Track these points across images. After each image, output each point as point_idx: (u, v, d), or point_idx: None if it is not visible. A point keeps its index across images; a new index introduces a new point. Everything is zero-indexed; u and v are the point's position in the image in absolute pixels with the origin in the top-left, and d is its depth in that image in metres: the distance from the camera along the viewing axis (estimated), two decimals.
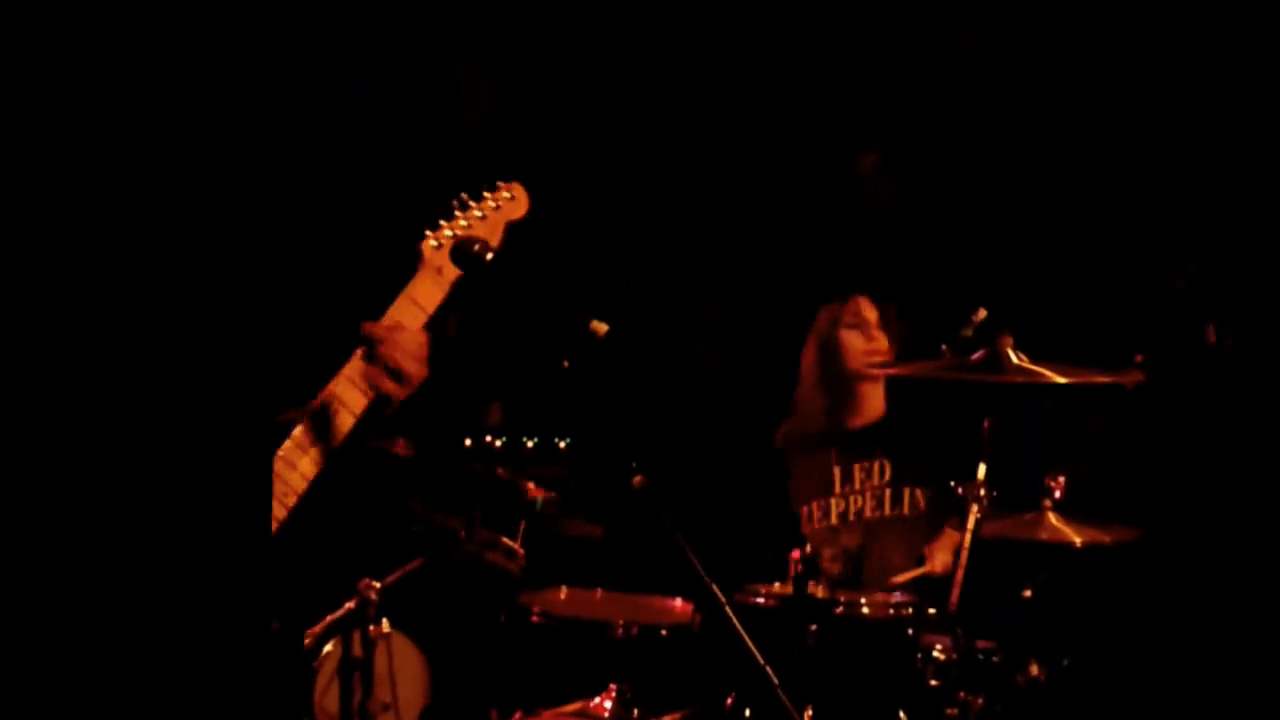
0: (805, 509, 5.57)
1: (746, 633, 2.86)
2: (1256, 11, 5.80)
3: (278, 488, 3.00)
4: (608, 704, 4.81)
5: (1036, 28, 6.25)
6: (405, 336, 3.15)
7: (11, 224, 1.97)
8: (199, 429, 2.25)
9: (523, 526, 4.85)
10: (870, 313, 5.52)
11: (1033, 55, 6.26)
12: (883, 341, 5.50)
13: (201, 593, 2.26)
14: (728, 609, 2.85)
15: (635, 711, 4.78)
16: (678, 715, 4.76)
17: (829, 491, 5.56)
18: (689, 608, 4.95)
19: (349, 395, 3.12)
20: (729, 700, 4.67)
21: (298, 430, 3.07)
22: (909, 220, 6.57)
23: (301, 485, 3.04)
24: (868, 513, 5.49)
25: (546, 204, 6.23)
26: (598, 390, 3.11)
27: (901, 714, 4.55)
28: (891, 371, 5.36)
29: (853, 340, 5.55)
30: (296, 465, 3.05)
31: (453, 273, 3.26)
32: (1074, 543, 4.61)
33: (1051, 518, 4.67)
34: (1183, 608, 5.48)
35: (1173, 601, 5.50)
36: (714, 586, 2.85)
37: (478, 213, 3.34)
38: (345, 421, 3.12)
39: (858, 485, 5.52)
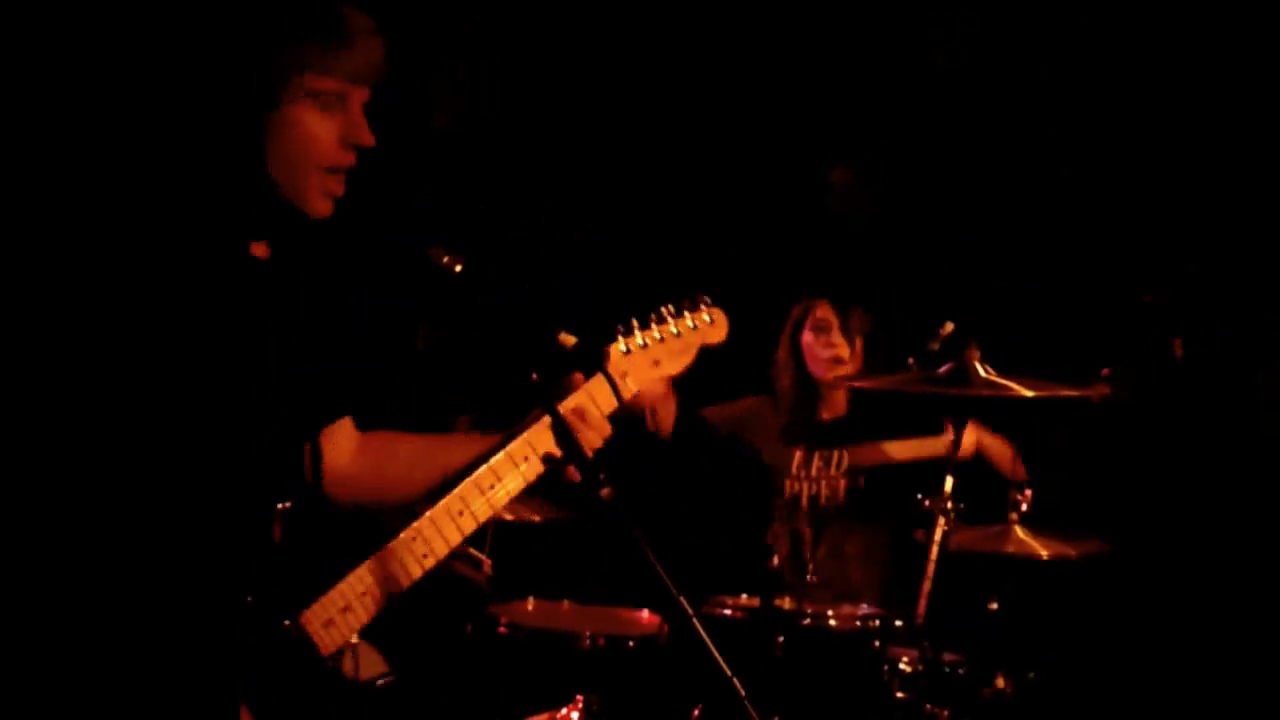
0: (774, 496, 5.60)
1: (714, 644, 2.86)
2: (1221, 35, 5.84)
3: (419, 548, 2.98)
4: (574, 715, 4.79)
5: (1006, 42, 6.27)
6: (591, 435, 3.08)
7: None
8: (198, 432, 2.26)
9: (490, 537, 4.85)
10: (831, 316, 5.54)
11: (1006, 69, 6.29)
12: (843, 347, 5.52)
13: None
14: (695, 621, 2.85)
15: None
16: None
17: (784, 475, 5.58)
18: (656, 619, 4.95)
19: (509, 475, 3.06)
20: (696, 712, 4.66)
21: (454, 497, 3.03)
22: (879, 231, 6.58)
23: (444, 552, 3.01)
24: (822, 500, 5.52)
25: (520, 211, 6.24)
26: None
27: None
28: (859, 384, 5.37)
29: (813, 343, 5.58)
30: (442, 531, 3.02)
31: (643, 378, 3.23)
32: (1040, 555, 4.63)
33: (1018, 531, 4.69)
34: (1148, 620, 5.50)
35: (1139, 614, 5.52)
36: (681, 598, 2.84)
37: (673, 328, 3.30)
38: (499, 499, 3.08)
39: (814, 472, 5.55)
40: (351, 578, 2.89)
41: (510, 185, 6.25)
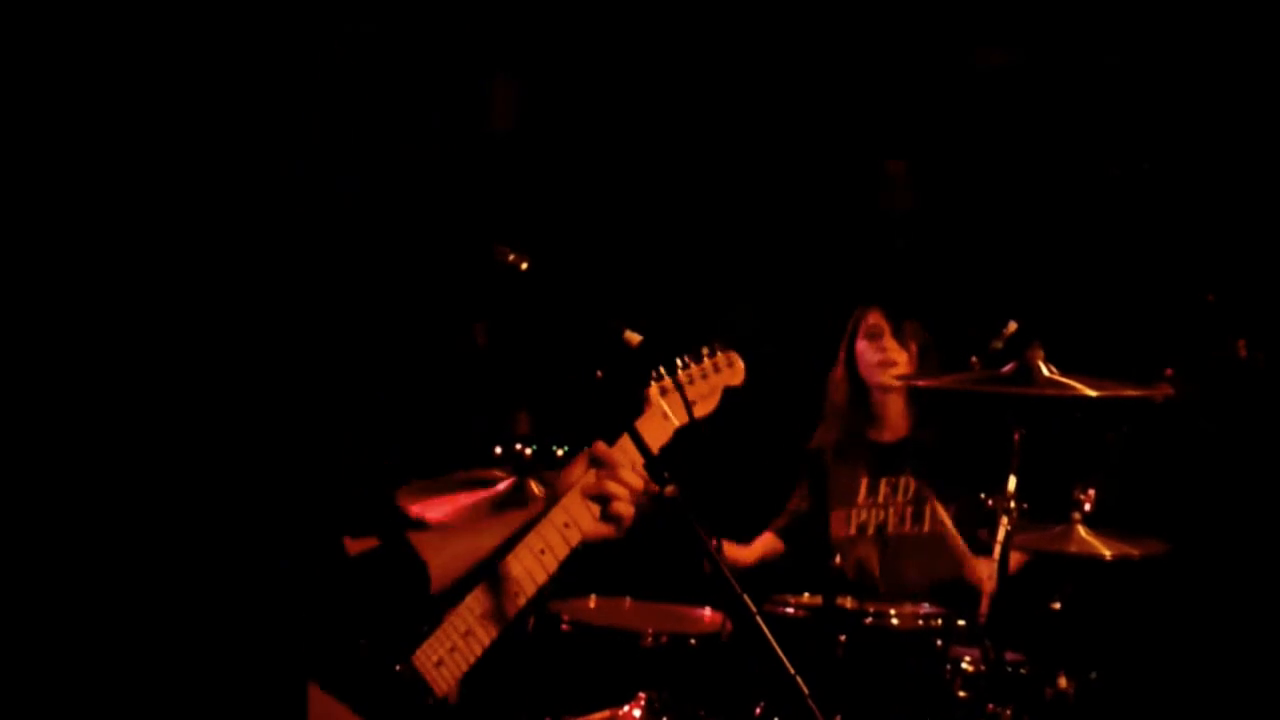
0: (835, 513, 5.59)
1: (776, 642, 2.87)
2: None
3: (510, 587, 3.04)
4: (636, 713, 4.81)
5: (1068, 41, 6.24)
6: (628, 477, 3.15)
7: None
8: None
9: None
10: (882, 322, 5.53)
11: (1070, 65, 6.26)
12: (897, 353, 5.50)
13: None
14: (758, 619, 2.86)
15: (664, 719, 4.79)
16: None
17: (851, 503, 5.57)
18: (718, 617, 4.95)
19: (582, 515, 3.15)
20: (757, 710, 4.67)
21: (535, 535, 3.10)
22: (938, 232, 6.57)
23: (532, 590, 3.07)
24: (890, 528, 5.50)
25: (582, 212, 6.27)
26: (631, 400, 3.14)
27: None
28: (921, 383, 5.36)
29: (865, 350, 5.57)
30: (530, 570, 3.08)
31: (679, 419, 3.35)
32: (1103, 555, 4.61)
33: (1081, 530, 4.67)
34: (1210, 621, 5.47)
35: (1200, 615, 5.49)
36: (745, 596, 2.85)
37: (699, 371, 3.47)
38: (572, 537, 3.15)
39: (881, 499, 5.53)
40: (454, 617, 2.94)
41: (566, 187, 6.28)
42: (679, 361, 3.44)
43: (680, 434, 3.37)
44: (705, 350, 3.50)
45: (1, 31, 1.87)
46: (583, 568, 5.02)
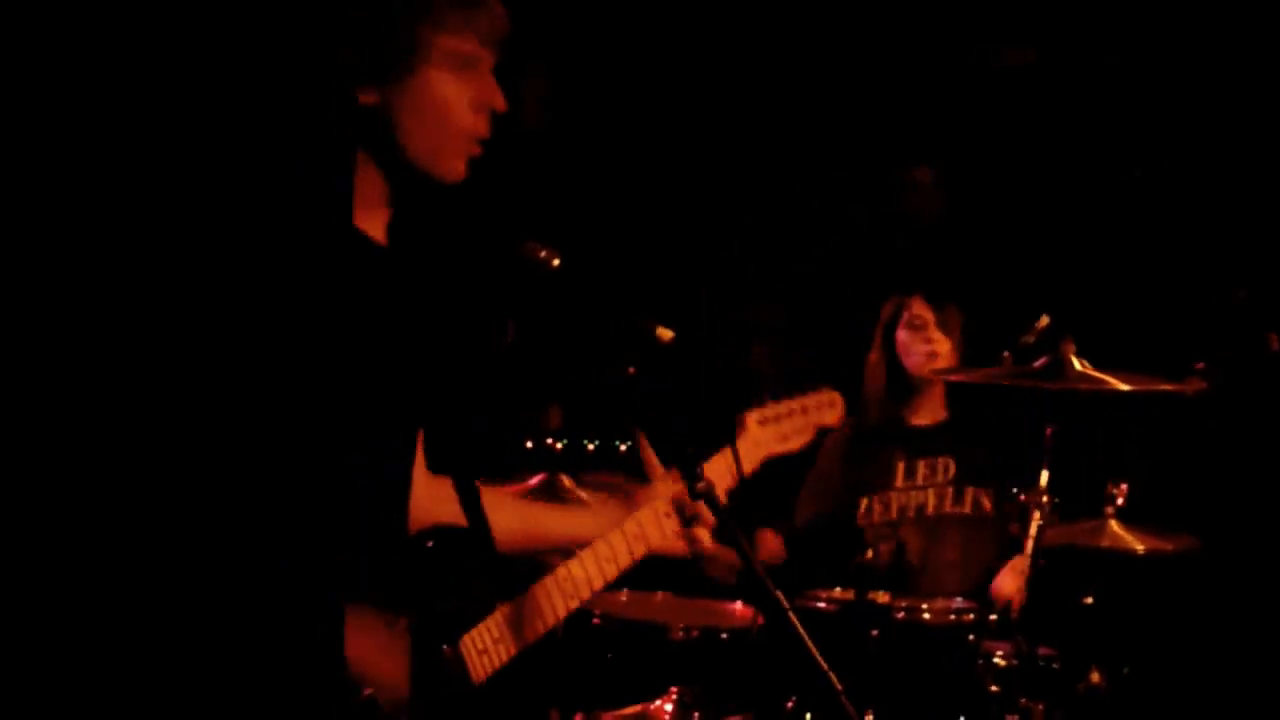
0: (864, 501, 5.57)
1: (808, 637, 2.87)
2: None
3: (568, 587, 3.07)
4: (668, 707, 4.81)
5: (1096, 37, 6.23)
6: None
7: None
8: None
9: None
10: (927, 313, 5.52)
11: (1094, 65, 6.25)
12: (942, 343, 5.49)
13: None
14: (790, 613, 2.86)
15: (695, 715, 4.78)
16: (738, 718, 4.77)
17: (889, 486, 5.56)
18: (749, 611, 4.95)
19: (652, 529, 3.18)
20: (789, 704, 4.67)
21: (603, 543, 3.12)
22: (969, 226, 6.56)
23: (588, 594, 3.10)
24: (929, 509, 5.49)
25: (613, 208, 6.27)
26: (662, 396, 3.14)
27: None
28: (954, 377, 5.36)
29: (909, 340, 5.56)
30: (589, 575, 3.12)
31: (769, 449, 3.38)
32: (1136, 551, 4.60)
33: (1114, 525, 4.66)
34: (1244, 616, 5.46)
35: (1234, 610, 5.48)
36: (777, 591, 2.86)
37: (799, 406, 3.49)
38: (638, 549, 3.17)
39: (921, 481, 5.52)
40: (506, 609, 2.96)
41: (597, 184, 6.29)
42: (783, 392, 3.48)
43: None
44: (808, 385, 3.52)
45: (2, 31, 1.88)
46: None
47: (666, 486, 3.21)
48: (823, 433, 3.51)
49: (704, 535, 3.20)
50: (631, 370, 3.00)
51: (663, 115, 6.49)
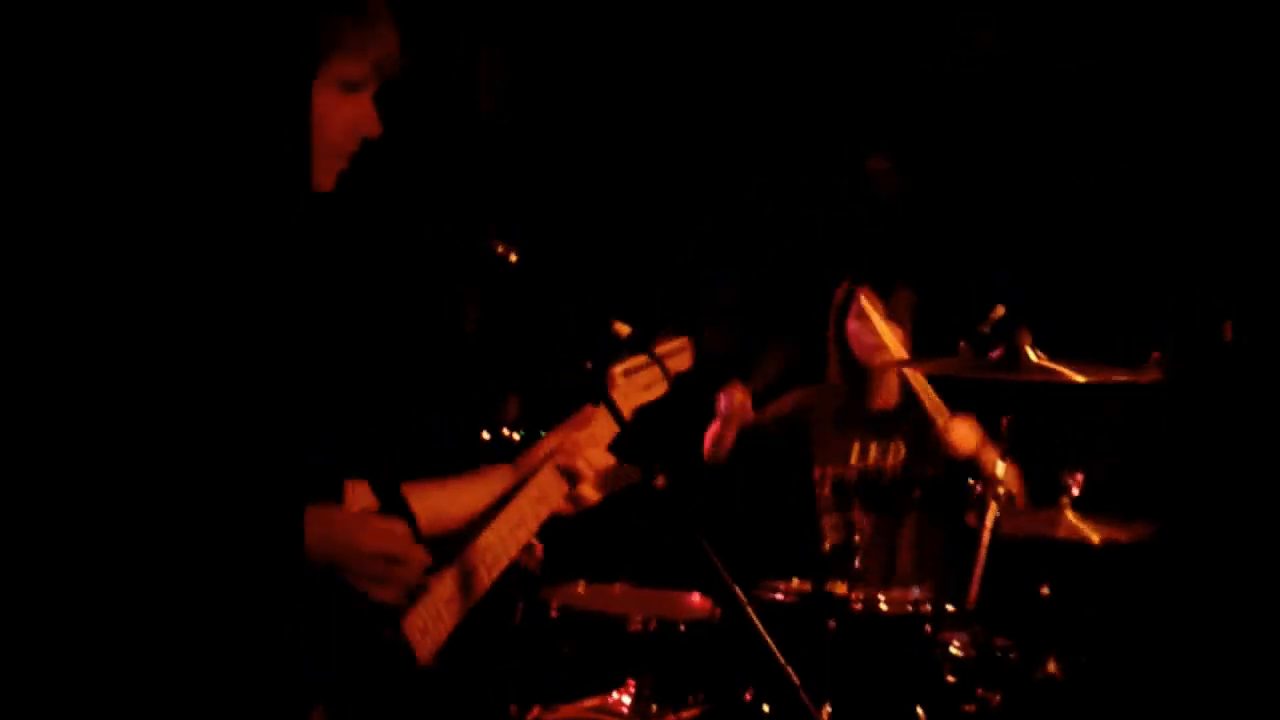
0: (818, 470, 5.60)
1: (765, 628, 2.88)
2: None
3: (489, 556, 3.09)
4: (626, 698, 4.82)
5: (1055, 23, 6.25)
6: (595, 457, 3.21)
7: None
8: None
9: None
10: (874, 305, 5.51)
11: (1050, 51, 6.27)
12: (889, 334, 5.47)
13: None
14: (748, 608, 2.87)
15: (654, 706, 4.79)
16: (696, 710, 4.78)
17: (845, 463, 5.57)
18: (708, 602, 4.96)
19: (552, 489, 3.23)
20: (747, 695, 4.68)
21: (512, 508, 3.15)
22: (925, 216, 6.58)
23: (505, 561, 3.13)
24: (879, 489, 5.51)
25: (567, 200, 6.26)
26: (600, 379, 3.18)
27: (919, 710, 4.56)
28: (910, 370, 5.36)
29: (858, 331, 5.56)
30: (505, 541, 3.14)
31: (636, 400, 3.39)
32: (1092, 540, 4.62)
33: (1069, 515, 4.68)
34: (1200, 604, 5.49)
35: (1190, 598, 5.51)
36: (734, 584, 2.87)
37: (654, 355, 3.46)
38: (544, 512, 3.20)
39: (872, 461, 5.54)
40: (437, 585, 2.97)
41: (552, 171, 6.28)
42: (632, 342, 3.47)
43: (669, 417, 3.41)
44: (658, 334, 3.51)
45: (2, 31, 1.86)
46: (572, 553, 5.06)
47: (552, 446, 3.24)
48: (680, 377, 3.52)
49: (590, 493, 3.24)
50: (589, 364, 3.02)
51: (623, 104, 6.48)
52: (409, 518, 2.90)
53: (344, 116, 2.69)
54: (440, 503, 3.17)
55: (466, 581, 3.04)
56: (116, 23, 1.94)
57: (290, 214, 2.42)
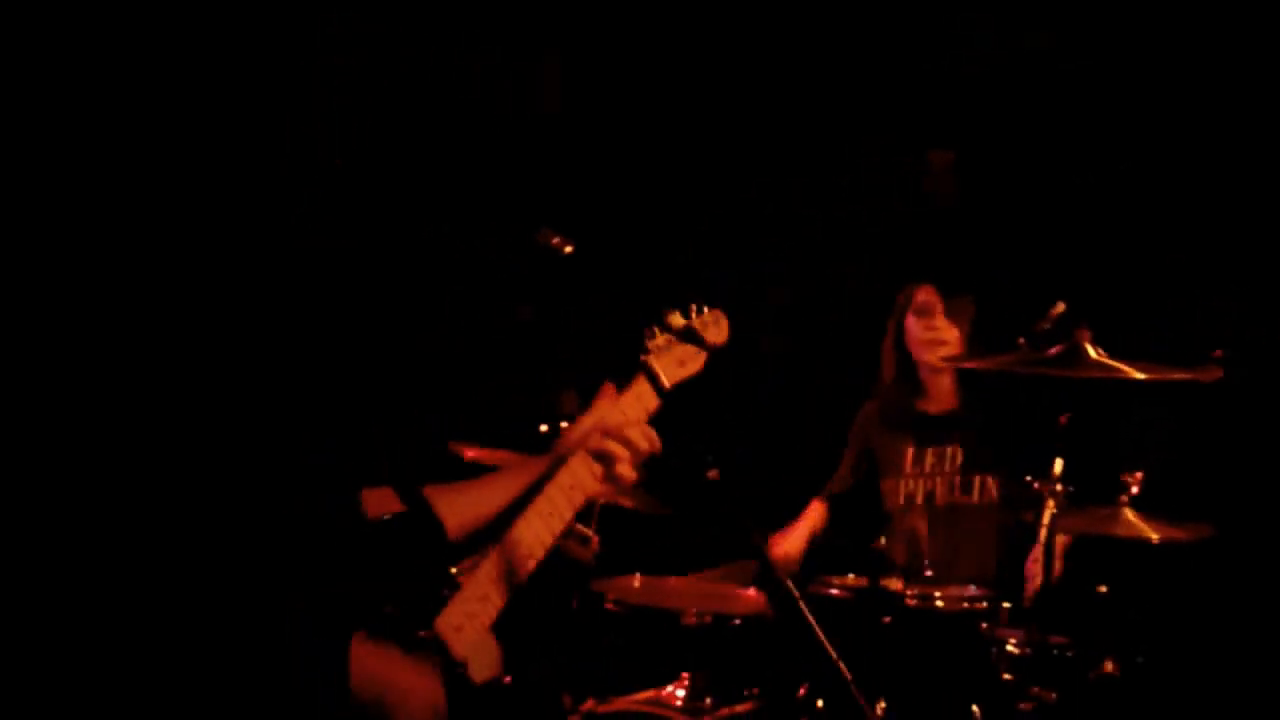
0: (885, 482, 5.59)
1: (819, 624, 2.87)
2: None
3: (521, 550, 3.08)
4: (680, 692, 4.82)
5: (1116, 22, 6.21)
6: (635, 437, 3.18)
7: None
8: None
9: (597, 512, 4.86)
10: (933, 301, 5.50)
11: (1113, 50, 6.22)
12: (947, 330, 5.47)
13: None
14: (801, 603, 2.86)
15: (707, 700, 4.79)
16: (749, 705, 4.77)
17: (899, 473, 5.56)
18: (762, 598, 4.96)
19: (586, 476, 3.19)
20: (801, 691, 4.67)
21: (544, 499, 3.14)
22: (986, 213, 6.55)
23: (542, 552, 3.11)
24: (939, 498, 5.49)
25: (628, 193, 6.26)
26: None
27: (974, 708, 4.54)
28: (968, 364, 5.34)
29: (916, 327, 5.55)
30: (539, 534, 3.13)
31: (672, 377, 3.33)
32: (1150, 539, 4.59)
33: (1128, 513, 4.64)
34: (1257, 605, 5.45)
35: (1247, 599, 5.47)
36: (787, 580, 2.86)
37: (688, 330, 3.41)
38: (578, 499, 3.18)
39: (928, 468, 5.52)
40: (470, 582, 2.97)
41: (614, 168, 6.28)
42: (667, 318, 3.43)
43: (716, 411, 3.38)
44: (693, 308, 3.45)
45: (2, 31, 1.87)
46: (627, 547, 5.06)
47: (584, 430, 3.20)
48: (717, 351, 3.47)
49: (627, 474, 3.19)
50: (644, 357, 3.01)
51: (680, 99, 6.48)
52: (435, 525, 2.90)
53: None
54: (476, 499, 3.16)
55: (501, 576, 3.03)
56: (118, 23, 1.95)
57: (291, 216, 2.44)
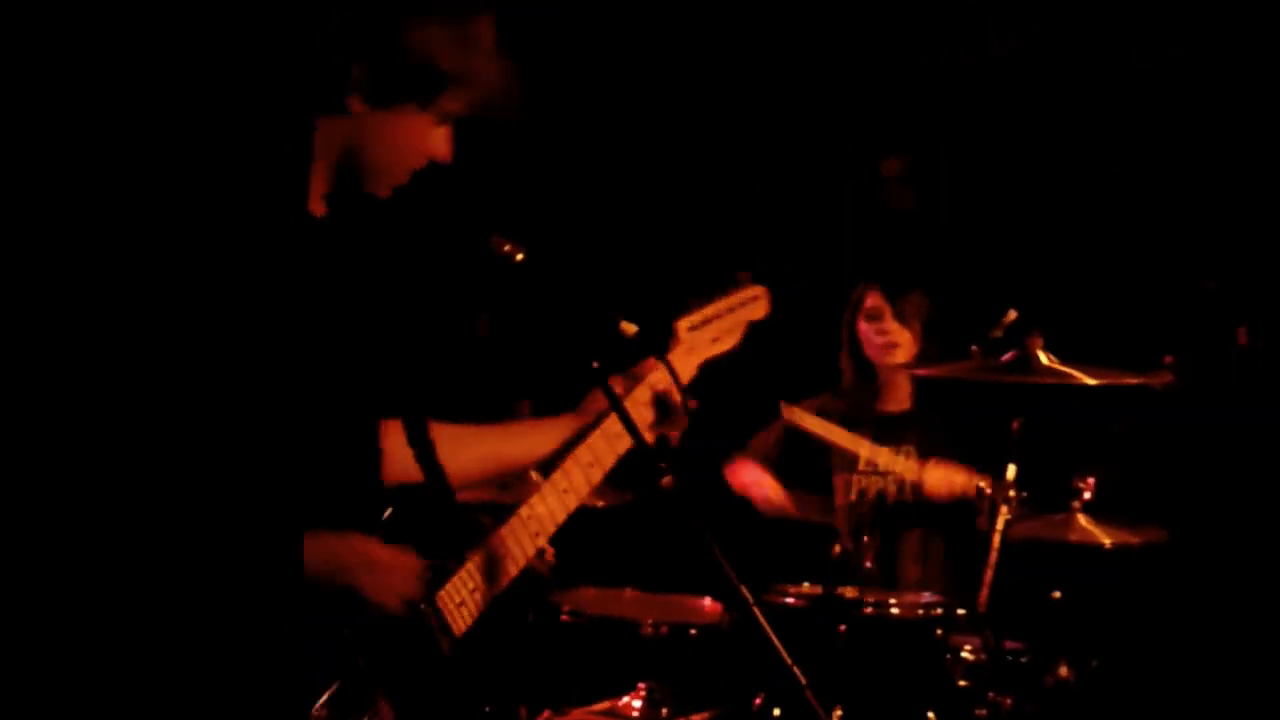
0: (837, 478, 5.59)
1: (776, 633, 2.87)
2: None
3: (532, 525, 3.09)
4: (636, 703, 4.81)
5: (1073, 27, 6.24)
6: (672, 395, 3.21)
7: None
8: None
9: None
10: (880, 304, 5.51)
11: (1069, 56, 6.25)
12: (899, 333, 5.48)
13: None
14: (756, 610, 2.86)
15: (664, 711, 4.79)
16: (706, 715, 4.77)
17: (853, 469, 5.56)
18: (718, 607, 4.95)
19: (605, 453, 3.20)
20: (758, 700, 4.67)
21: (560, 473, 3.15)
22: (937, 221, 6.56)
23: (551, 529, 3.13)
24: (890, 497, 5.49)
25: (579, 201, 6.26)
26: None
27: (930, 714, 4.55)
28: (921, 371, 5.36)
29: (867, 330, 5.56)
30: (552, 509, 3.14)
31: (705, 353, 3.38)
32: (1103, 543, 4.61)
33: (1081, 519, 4.67)
34: (1210, 609, 5.47)
35: (1201, 602, 5.50)
36: (743, 587, 2.86)
37: (725, 305, 3.46)
38: (595, 476, 3.19)
39: (882, 467, 5.51)
40: (476, 557, 2.99)
41: (562, 175, 6.27)
42: (706, 293, 3.45)
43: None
44: (732, 282, 3.50)
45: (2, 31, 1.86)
46: (582, 558, 5.04)
47: (604, 403, 3.20)
48: (753, 327, 3.48)
49: (675, 437, 3.23)
50: (595, 364, 3.01)
51: (629, 104, 6.48)
52: (442, 482, 2.91)
53: (429, 141, 2.86)
54: (498, 445, 3.18)
55: (508, 553, 3.04)
56: (119, 24, 1.94)
57: (291, 218, 2.43)
